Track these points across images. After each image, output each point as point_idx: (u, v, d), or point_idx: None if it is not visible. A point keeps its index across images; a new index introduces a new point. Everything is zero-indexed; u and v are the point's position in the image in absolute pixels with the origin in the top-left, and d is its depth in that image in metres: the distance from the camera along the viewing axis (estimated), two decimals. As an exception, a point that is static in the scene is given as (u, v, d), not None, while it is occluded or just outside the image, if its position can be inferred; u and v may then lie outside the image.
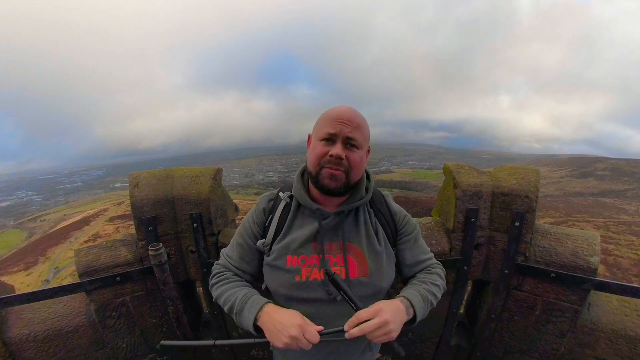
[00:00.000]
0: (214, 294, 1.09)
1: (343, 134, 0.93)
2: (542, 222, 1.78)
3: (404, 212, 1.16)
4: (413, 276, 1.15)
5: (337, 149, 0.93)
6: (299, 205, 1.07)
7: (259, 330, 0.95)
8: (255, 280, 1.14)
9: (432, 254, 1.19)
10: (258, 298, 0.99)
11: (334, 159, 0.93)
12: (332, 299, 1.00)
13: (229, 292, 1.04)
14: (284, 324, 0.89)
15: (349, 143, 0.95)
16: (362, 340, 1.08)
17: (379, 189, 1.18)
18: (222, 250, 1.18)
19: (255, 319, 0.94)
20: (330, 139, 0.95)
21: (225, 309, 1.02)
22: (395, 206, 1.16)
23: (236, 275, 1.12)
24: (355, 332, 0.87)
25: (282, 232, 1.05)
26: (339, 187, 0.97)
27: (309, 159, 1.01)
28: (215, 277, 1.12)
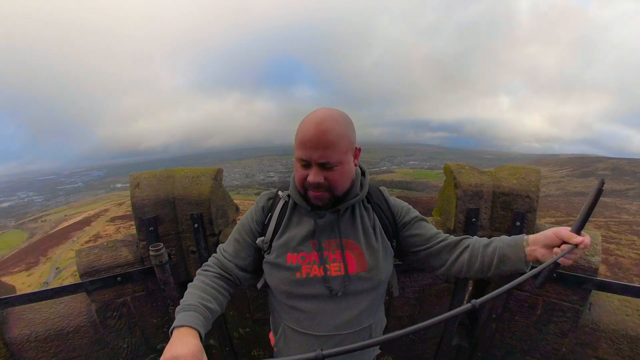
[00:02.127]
0: (193, 281, 1.07)
1: (315, 159, 0.91)
2: (543, 221, 1.78)
3: (403, 203, 1.15)
4: (443, 251, 1.08)
5: (312, 176, 0.93)
6: (295, 203, 1.08)
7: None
8: (245, 272, 1.12)
9: (441, 231, 1.15)
10: (191, 315, 0.91)
11: (313, 184, 0.94)
12: (333, 295, 1.01)
13: (192, 289, 1.01)
14: (175, 353, 0.79)
15: (323, 166, 0.93)
16: (364, 335, 1.09)
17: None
18: (220, 245, 1.18)
19: (174, 329, 0.88)
20: (305, 165, 0.95)
21: (181, 300, 0.99)
22: (393, 199, 1.15)
23: (221, 273, 1.09)
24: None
25: (281, 229, 1.06)
26: (327, 205, 1.00)
27: (295, 179, 1.01)
28: (201, 268, 1.11)
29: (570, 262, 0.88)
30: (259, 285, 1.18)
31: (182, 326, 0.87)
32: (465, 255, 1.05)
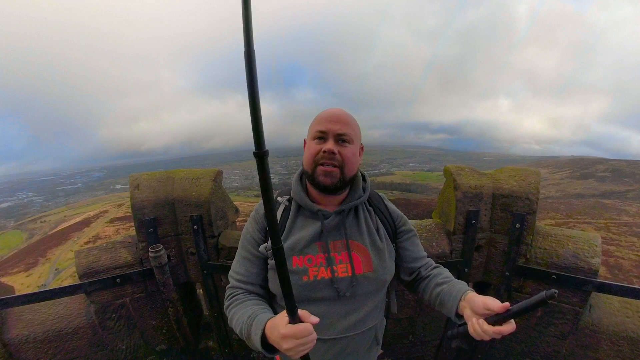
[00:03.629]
0: (229, 318, 1.04)
1: (333, 131, 0.98)
2: (542, 223, 1.78)
3: (400, 212, 1.20)
4: (416, 273, 1.16)
5: (329, 145, 0.97)
6: (299, 207, 1.09)
7: (271, 349, 0.88)
8: (264, 289, 1.10)
9: (426, 254, 1.22)
10: (260, 318, 0.92)
11: (327, 155, 0.97)
12: (340, 297, 1.01)
13: (237, 316, 0.99)
14: (279, 343, 0.82)
15: (340, 139, 0.99)
16: (370, 335, 1.10)
17: (376, 191, 1.21)
18: (230, 272, 1.14)
19: (263, 341, 0.87)
20: (322, 137, 0.99)
21: (237, 331, 0.97)
22: (392, 206, 1.19)
23: (246, 291, 1.07)
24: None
25: (284, 234, 1.06)
26: (335, 183, 1.00)
27: (304, 159, 1.04)
28: (227, 299, 1.08)
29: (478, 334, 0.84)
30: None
31: (264, 330, 0.86)
32: (423, 283, 1.13)
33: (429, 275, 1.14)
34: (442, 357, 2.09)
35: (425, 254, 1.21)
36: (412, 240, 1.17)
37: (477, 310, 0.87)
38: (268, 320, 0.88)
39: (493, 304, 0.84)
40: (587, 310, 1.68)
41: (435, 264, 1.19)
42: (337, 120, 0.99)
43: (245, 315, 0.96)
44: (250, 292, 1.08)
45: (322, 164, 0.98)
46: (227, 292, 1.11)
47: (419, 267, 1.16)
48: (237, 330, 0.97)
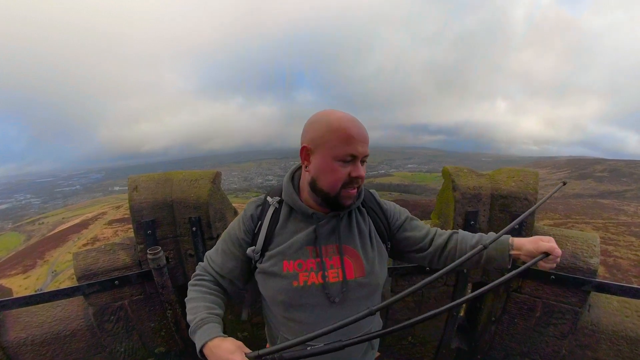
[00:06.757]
0: (187, 295, 1.06)
1: (362, 154, 0.93)
2: (541, 224, 1.78)
3: (393, 205, 1.17)
4: (430, 244, 1.12)
5: (361, 171, 0.94)
6: (290, 209, 1.05)
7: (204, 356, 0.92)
8: (233, 285, 1.11)
9: (428, 226, 1.19)
10: (211, 327, 0.94)
11: (357, 180, 0.94)
12: (332, 303, 0.99)
13: (194, 303, 1.01)
14: (221, 357, 0.86)
15: (363, 161, 0.95)
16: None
17: (369, 189, 1.18)
18: (207, 253, 1.14)
19: (202, 347, 0.91)
20: (351, 161, 0.93)
21: (187, 318, 1.00)
22: (384, 202, 1.16)
23: (215, 279, 1.08)
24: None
25: (275, 237, 1.03)
26: (353, 203, 1.01)
27: (327, 182, 0.95)
28: (194, 278, 1.10)
29: (549, 266, 1.00)
30: (243, 317, 1.17)
31: (210, 340, 0.90)
32: (453, 252, 1.10)
33: (454, 245, 1.10)
34: (442, 358, 2.09)
35: (427, 226, 1.17)
36: (409, 224, 1.14)
37: (533, 255, 1.00)
38: (217, 336, 0.91)
39: (544, 245, 0.99)
40: (586, 310, 1.68)
41: (450, 232, 1.14)
42: (365, 140, 0.92)
43: (201, 313, 0.97)
44: (218, 284, 1.09)
45: (350, 188, 0.96)
46: (197, 270, 1.12)
47: (430, 240, 1.12)
48: (188, 317, 0.99)
